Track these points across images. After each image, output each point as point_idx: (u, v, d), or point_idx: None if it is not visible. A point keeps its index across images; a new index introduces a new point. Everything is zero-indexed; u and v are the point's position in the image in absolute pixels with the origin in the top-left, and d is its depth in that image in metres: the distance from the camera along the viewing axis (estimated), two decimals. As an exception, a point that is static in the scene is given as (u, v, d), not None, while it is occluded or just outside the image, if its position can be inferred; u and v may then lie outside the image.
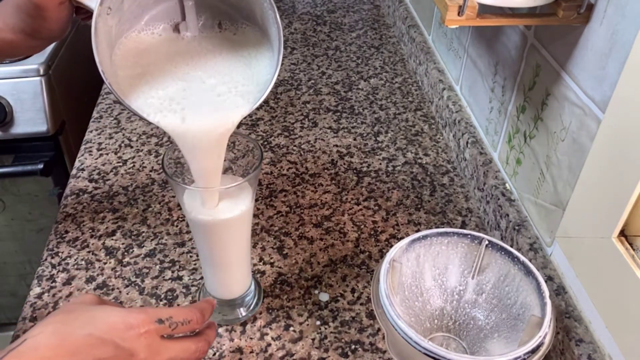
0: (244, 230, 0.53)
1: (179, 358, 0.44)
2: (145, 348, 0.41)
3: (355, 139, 0.87)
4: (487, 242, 0.52)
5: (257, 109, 0.92)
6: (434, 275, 0.54)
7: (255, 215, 0.71)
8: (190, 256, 0.66)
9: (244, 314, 0.59)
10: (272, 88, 0.41)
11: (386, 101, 0.96)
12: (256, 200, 0.74)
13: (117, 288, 0.62)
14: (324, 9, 1.28)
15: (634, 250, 0.45)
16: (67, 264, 0.65)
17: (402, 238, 0.58)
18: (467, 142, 0.77)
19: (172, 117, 0.42)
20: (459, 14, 0.47)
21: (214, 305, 0.49)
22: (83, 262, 0.65)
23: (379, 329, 0.58)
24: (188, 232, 0.69)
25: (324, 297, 0.62)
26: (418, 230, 0.65)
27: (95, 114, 0.92)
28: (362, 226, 0.71)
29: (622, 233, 0.46)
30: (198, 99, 0.43)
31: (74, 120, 1.06)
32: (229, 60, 0.45)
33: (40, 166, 0.99)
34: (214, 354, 0.56)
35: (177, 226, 0.70)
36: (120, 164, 0.81)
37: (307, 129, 0.89)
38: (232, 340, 0.57)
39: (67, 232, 0.69)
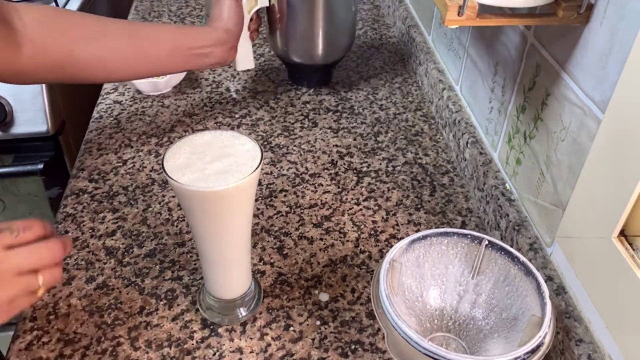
0: (242, 217, 0.53)
1: (32, 260, 0.43)
2: None
3: (355, 139, 0.87)
4: (487, 242, 0.52)
5: (257, 109, 0.92)
6: (434, 275, 0.54)
7: (255, 215, 0.71)
8: (190, 256, 0.66)
9: (244, 314, 0.59)
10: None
11: (386, 101, 0.96)
12: (256, 200, 0.74)
13: (117, 288, 0.62)
14: (324, 9, 1.28)
15: (634, 250, 0.45)
16: (67, 264, 0.65)
17: (402, 238, 0.58)
18: (467, 142, 0.77)
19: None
20: (459, 14, 0.47)
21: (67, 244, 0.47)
22: (83, 262, 0.65)
23: (379, 329, 0.58)
24: (188, 232, 0.69)
25: (324, 297, 0.62)
26: (418, 230, 0.65)
27: (95, 114, 0.92)
28: (362, 226, 0.71)
29: (622, 233, 0.46)
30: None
31: (74, 120, 1.06)
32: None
33: (40, 166, 0.99)
34: (214, 354, 0.56)
35: (177, 226, 0.70)
36: (120, 164, 0.81)
37: (307, 129, 0.89)
38: (232, 340, 0.57)
39: (67, 232, 0.69)
